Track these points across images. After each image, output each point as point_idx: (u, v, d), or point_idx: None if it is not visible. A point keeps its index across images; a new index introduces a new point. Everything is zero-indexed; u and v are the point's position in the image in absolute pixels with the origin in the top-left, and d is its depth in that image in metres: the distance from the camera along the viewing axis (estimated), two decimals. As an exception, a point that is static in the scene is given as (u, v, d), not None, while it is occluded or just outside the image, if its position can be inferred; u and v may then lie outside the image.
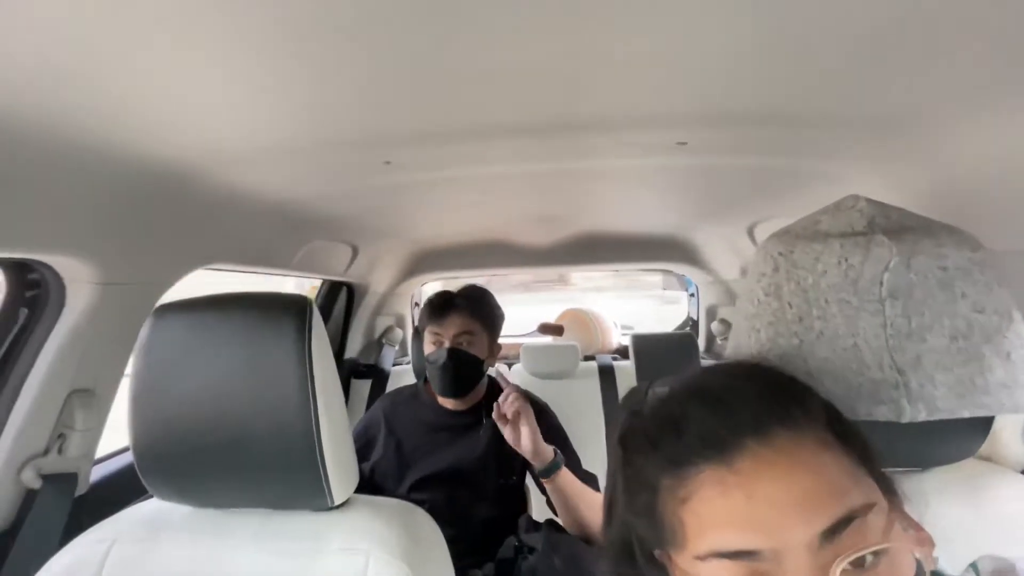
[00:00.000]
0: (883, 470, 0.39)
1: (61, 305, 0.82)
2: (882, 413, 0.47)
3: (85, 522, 0.67)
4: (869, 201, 0.50)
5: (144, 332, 0.60)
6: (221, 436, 0.58)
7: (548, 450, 1.06)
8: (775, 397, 0.38)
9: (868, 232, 0.48)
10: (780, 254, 0.49)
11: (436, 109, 0.67)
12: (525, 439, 1.04)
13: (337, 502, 0.61)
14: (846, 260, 0.47)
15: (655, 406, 0.41)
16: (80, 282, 0.81)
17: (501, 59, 0.54)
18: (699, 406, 0.38)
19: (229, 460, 0.58)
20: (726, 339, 1.95)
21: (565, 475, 1.05)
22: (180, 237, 0.96)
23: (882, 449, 0.39)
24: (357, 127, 0.73)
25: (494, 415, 1.07)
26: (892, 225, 0.49)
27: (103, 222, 0.79)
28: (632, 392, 0.46)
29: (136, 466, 0.60)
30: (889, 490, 0.38)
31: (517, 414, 1.05)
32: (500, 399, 1.08)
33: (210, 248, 1.05)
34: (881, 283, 0.46)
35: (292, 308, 0.58)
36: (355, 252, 1.55)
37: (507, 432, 1.06)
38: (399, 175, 0.94)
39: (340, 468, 0.59)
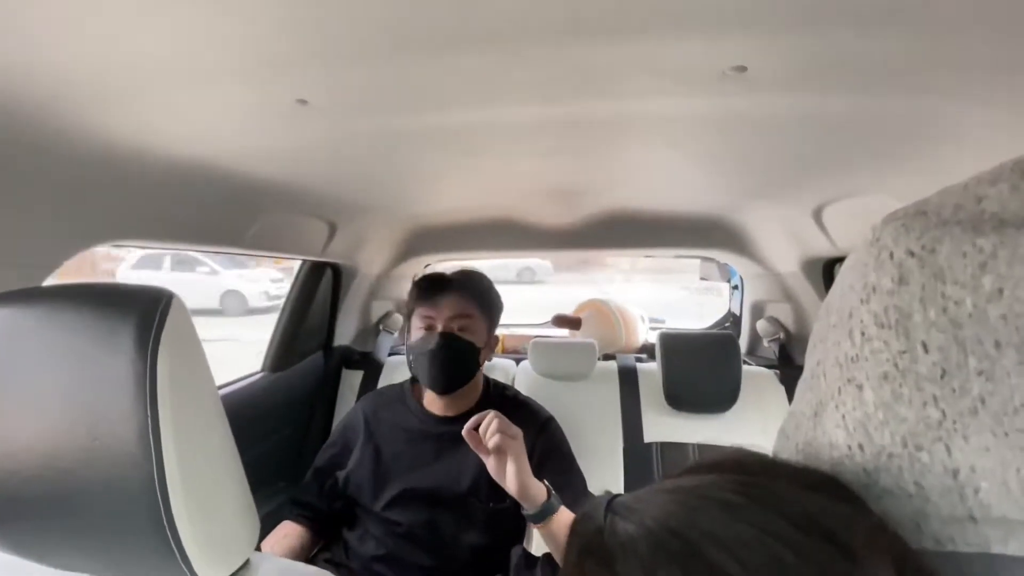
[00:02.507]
0: None
1: None
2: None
3: None
4: None
5: None
6: (45, 480, 0.41)
7: (539, 491, 0.86)
8: (807, 559, 0.23)
9: (1083, 217, 0.26)
10: (911, 253, 0.27)
11: (356, 14, 0.46)
12: (511, 479, 0.84)
13: None
14: (1045, 269, 0.25)
15: (612, 555, 0.26)
16: None
17: None
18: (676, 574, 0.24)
19: (57, 513, 0.42)
20: (774, 340, 1.67)
21: (560, 520, 0.85)
22: (50, 207, 0.74)
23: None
24: (251, 50, 0.52)
25: (465, 435, 0.86)
26: None
27: None
28: (585, 515, 0.30)
29: None
30: None
31: (499, 448, 0.84)
32: (477, 419, 0.87)
33: (103, 220, 0.82)
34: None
35: (134, 307, 0.40)
36: (332, 228, 1.37)
37: (489, 464, 0.87)
38: (330, 122, 0.72)
39: (206, 538, 0.42)
